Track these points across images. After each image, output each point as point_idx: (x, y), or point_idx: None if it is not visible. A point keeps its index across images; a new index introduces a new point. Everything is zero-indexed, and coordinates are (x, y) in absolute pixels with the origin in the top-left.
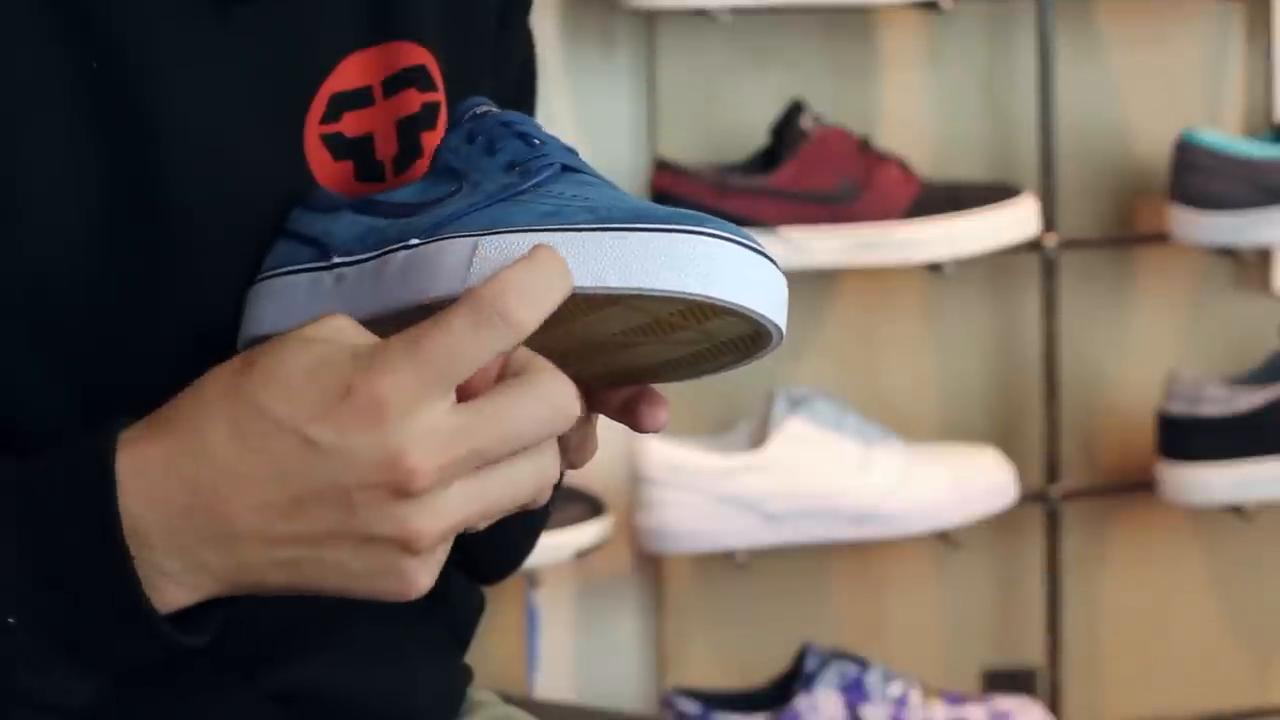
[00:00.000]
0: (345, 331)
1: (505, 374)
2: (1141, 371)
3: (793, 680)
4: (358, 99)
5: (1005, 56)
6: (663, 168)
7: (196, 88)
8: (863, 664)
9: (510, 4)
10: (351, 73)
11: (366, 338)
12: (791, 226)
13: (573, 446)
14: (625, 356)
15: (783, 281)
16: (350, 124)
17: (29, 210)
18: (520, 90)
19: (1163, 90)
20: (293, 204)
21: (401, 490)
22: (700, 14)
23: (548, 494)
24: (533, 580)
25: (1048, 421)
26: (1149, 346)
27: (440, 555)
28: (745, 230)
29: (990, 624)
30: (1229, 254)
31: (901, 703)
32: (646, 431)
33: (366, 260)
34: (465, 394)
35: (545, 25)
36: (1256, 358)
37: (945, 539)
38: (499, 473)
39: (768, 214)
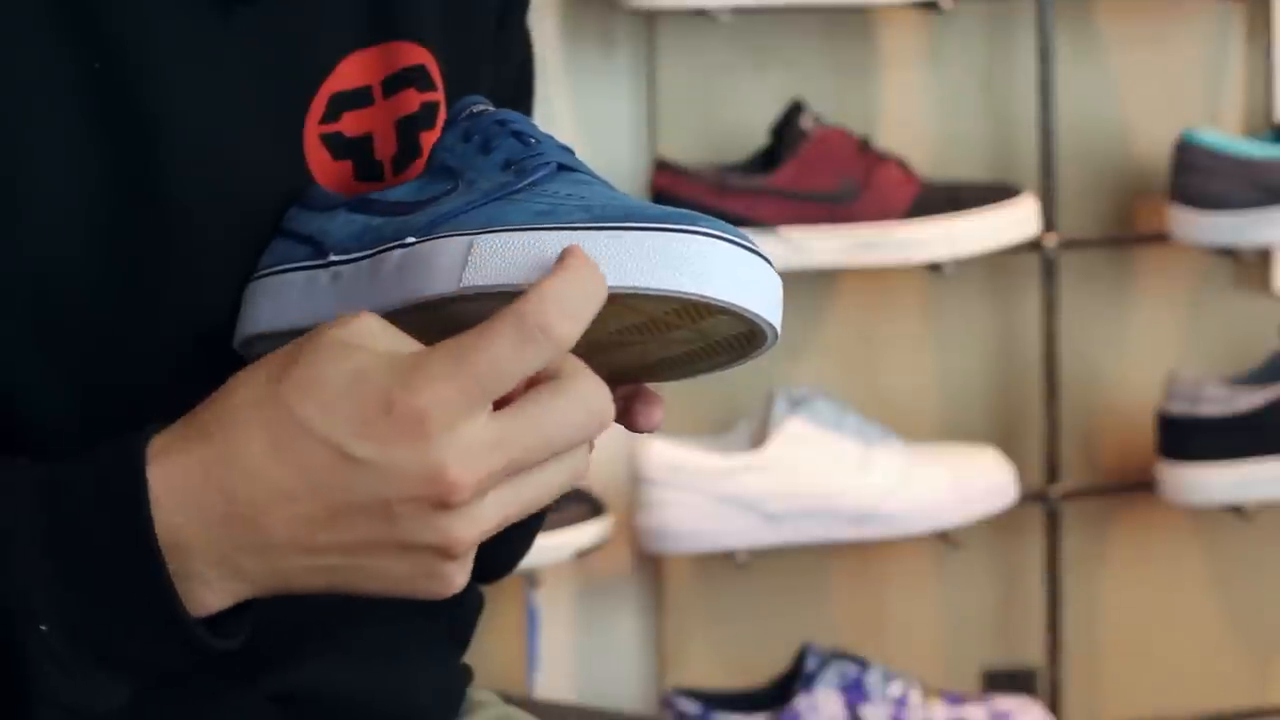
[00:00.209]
0: (378, 336)
1: (540, 375)
2: (1141, 371)
3: (793, 680)
4: (357, 99)
5: (1005, 56)
6: (663, 168)
7: (198, 88)
8: (863, 664)
9: (508, 4)
10: (351, 73)
11: (399, 342)
12: (791, 226)
13: None
14: (621, 355)
15: (777, 281)
16: (350, 124)
17: (31, 210)
18: (518, 90)
19: (1163, 90)
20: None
21: (442, 502)
22: (700, 14)
23: None
24: (533, 580)
25: (1048, 421)
26: (1149, 346)
27: (473, 554)
28: (740, 230)
29: (990, 624)
30: (1229, 254)
31: (901, 703)
32: (642, 431)
33: (362, 258)
34: (500, 398)
35: (545, 25)
36: (1256, 358)
37: (945, 539)
38: (533, 476)
39: (768, 214)
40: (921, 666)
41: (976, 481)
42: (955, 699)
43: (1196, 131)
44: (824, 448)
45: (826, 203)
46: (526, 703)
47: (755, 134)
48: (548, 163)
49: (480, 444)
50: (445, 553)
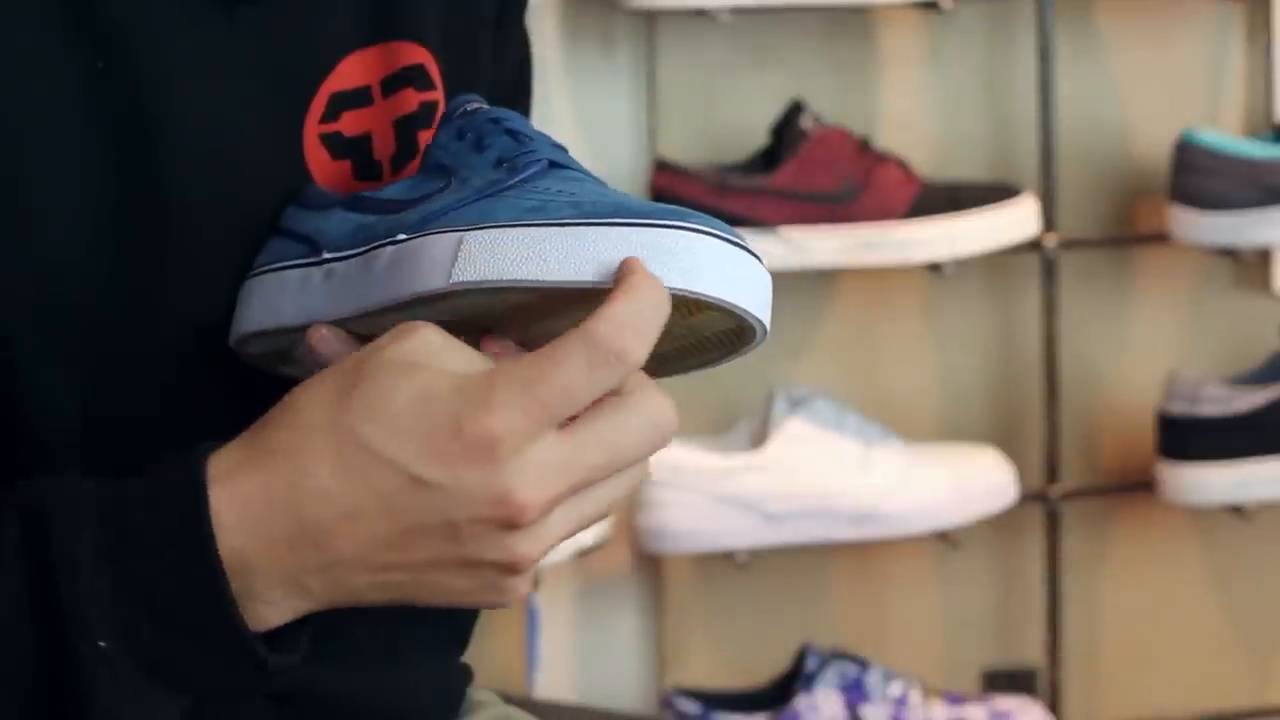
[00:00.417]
0: (441, 352)
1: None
2: (1141, 371)
3: (793, 680)
4: (357, 98)
5: (1005, 56)
6: (663, 168)
7: (201, 88)
8: (863, 664)
9: (506, 4)
10: (351, 72)
11: (464, 358)
12: (791, 226)
13: None
14: None
15: (766, 277)
16: (349, 123)
17: (35, 209)
18: (517, 90)
19: (1163, 90)
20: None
21: (509, 523)
22: (700, 14)
23: None
24: (533, 580)
25: (1048, 421)
26: (1149, 346)
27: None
28: (729, 226)
29: (990, 624)
30: (1229, 254)
31: (901, 703)
32: None
33: (354, 256)
34: None
35: (545, 25)
36: (1256, 358)
37: (945, 539)
38: (597, 491)
39: (768, 214)
40: (921, 666)
41: (976, 481)
42: (955, 699)
43: (1196, 131)
44: (824, 448)
45: (826, 203)
46: (526, 703)
47: (755, 134)
48: (539, 160)
49: (548, 465)
50: (510, 569)
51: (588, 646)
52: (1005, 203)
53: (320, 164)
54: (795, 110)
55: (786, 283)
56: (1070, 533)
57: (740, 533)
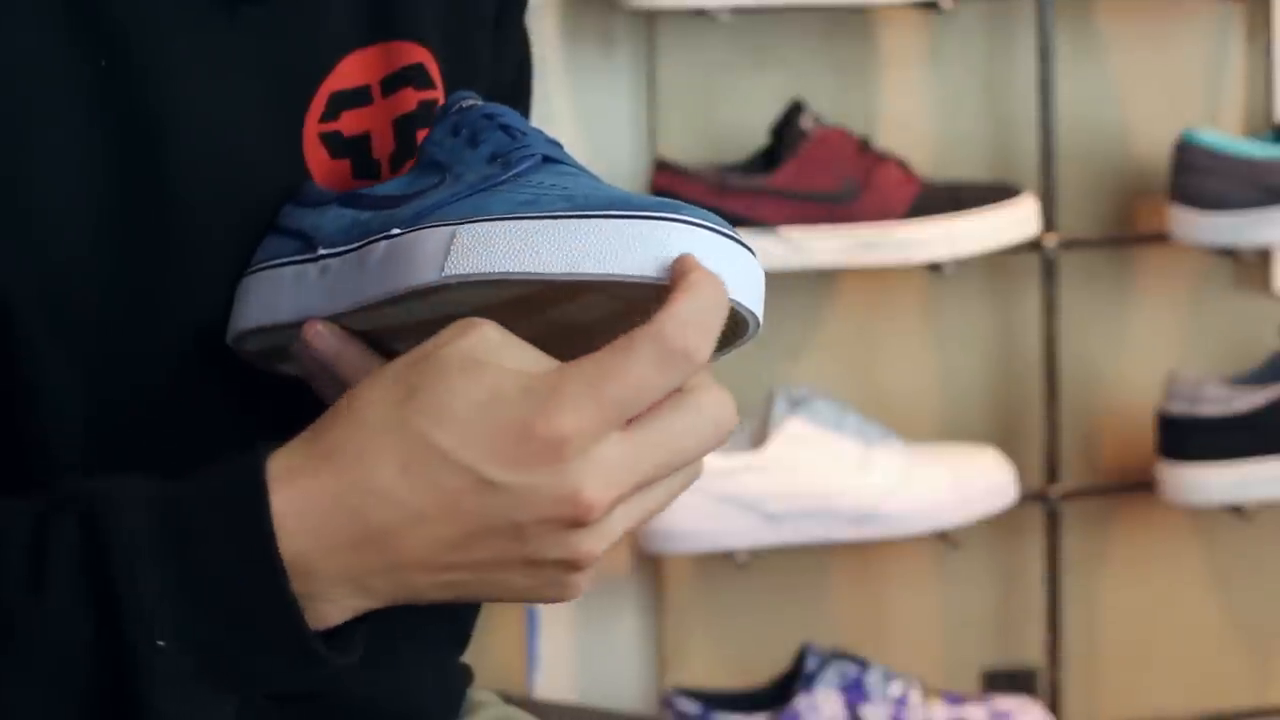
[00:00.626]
0: (502, 350)
1: None
2: (1141, 371)
3: (793, 680)
4: (356, 98)
5: (1005, 56)
6: (663, 168)
7: (203, 87)
8: (863, 664)
9: (506, 4)
10: (351, 71)
11: (527, 356)
12: (791, 226)
13: None
14: (604, 345)
15: (759, 269)
16: (348, 122)
17: (40, 208)
18: (516, 91)
19: (1163, 90)
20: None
21: (575, 523)
22: (700, 14)
23: None
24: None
25: (1048, 421)
26: (1149, 346)
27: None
28: (722, 219)
29: (990, 624)
30: (1229, 254)
31: (901, 703)
32: None
33: (349, 251)
34: None
35: (545, 25)
36: (1256, 358)
37: (945, 539)
38: (657, 487)
39: (768, 214)
40: (921, 666)
41: (976, 481)
42: (955, 699)
43: (1196, 131)
44: (824, 448)
45: (826, 203)
46: (526, 703)
47: (755, 134)
48: (533, 155)
49: (614, 464)
50: (573, 566)
51: (588, 646)
52: (1005, 203)
53: (319, 163)
54: (795, 110)
55: (786, 283)
56: (1070, 533)
57: (740, 533)
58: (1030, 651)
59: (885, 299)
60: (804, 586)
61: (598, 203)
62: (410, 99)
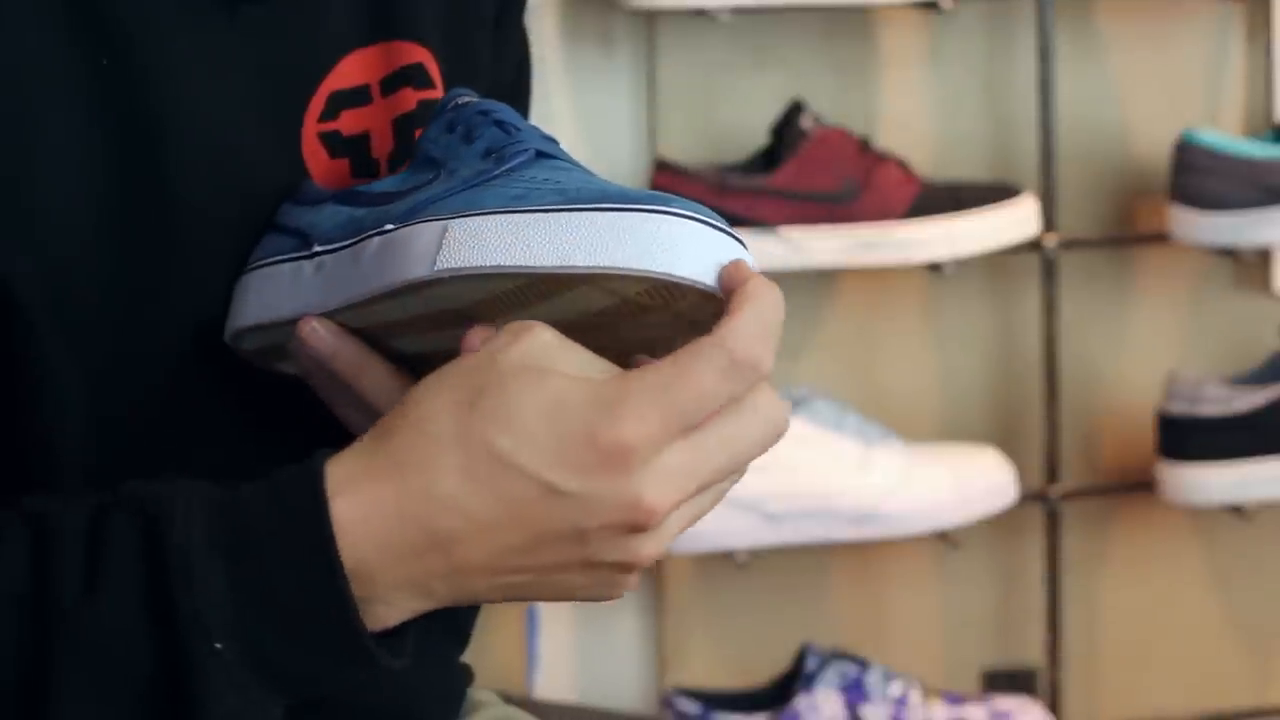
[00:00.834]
0: (561, 355)
1: None
2: (1141, 371)
3: (793, 680)
4: (356, 97)
5: (1005, 56)
6: (663, 168)
7: (204, 86)
8: (863, 664)
9: (506, 4)
10: (351, 71)
11: (587, 362)
12: (791, 226)
13: None
14: (598, 340)
15: (750, 261)
16: (348, 122)
17: (42, 208)
18: (515, 91)
19: (1163, 90)
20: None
21: (637, 527)
22: (700, 14)
23: None
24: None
25: (1048, 421)
26: (1149, 346)
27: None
28: (713, 212)
29: (990, 624)
30: (1229, 254)
31: (901, 703)
32: None
33: (343, 248)
34: None
35: (545, 25)
36: (1256, 358)
37: (945, 539)
38: (713, 489)
39: (768, 214)
40: (921, 666)
41: (976, 481)
42: (955, 699)
43: (1196, 131)
44: (824, 448)
45: (826, 203)
46: (526, 703)
47: (755, 134)
48: (526, 150)
49: (676, 471)
50: (629, 568)
51: (588, 646)
52: (1005, 203)
53: (318, 162)
54: (795, 110)
55: (786, 283)
56: (1070, 533)
57: (740, 533)
58: (1030, 651)
59: (885, 299)
60: (804, 586)
61: (589, 196)
62: (410, 99)
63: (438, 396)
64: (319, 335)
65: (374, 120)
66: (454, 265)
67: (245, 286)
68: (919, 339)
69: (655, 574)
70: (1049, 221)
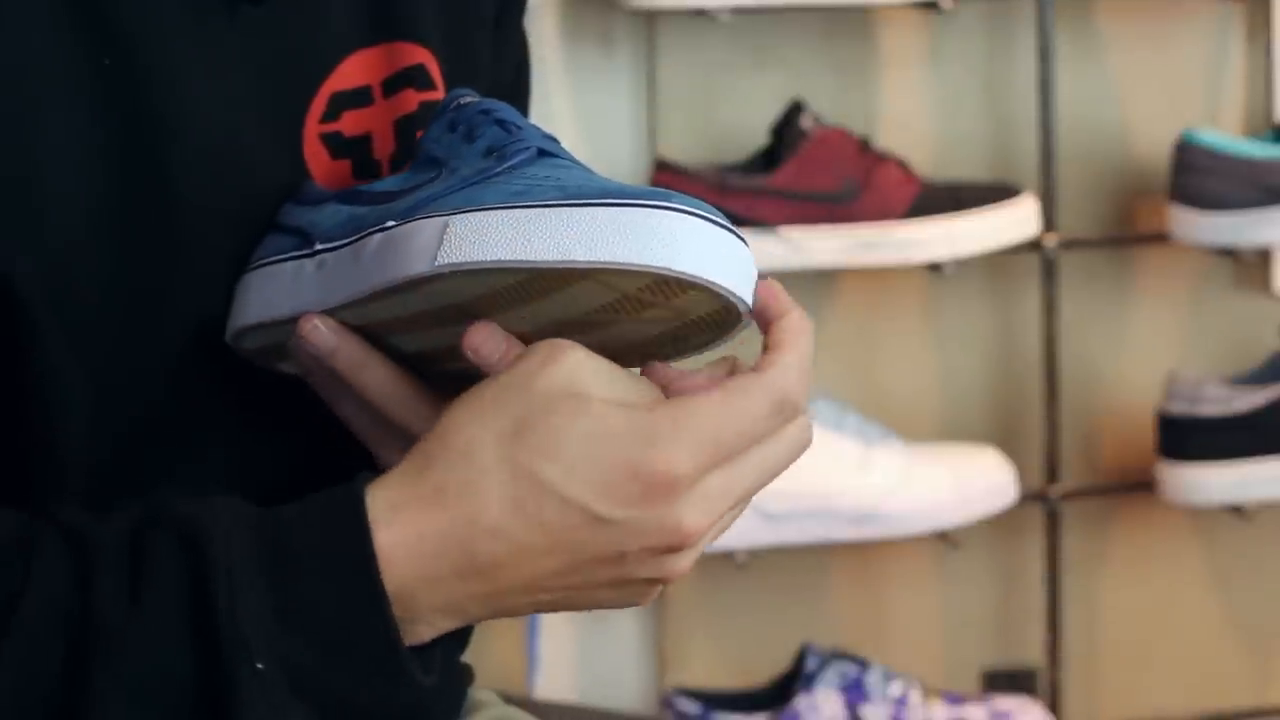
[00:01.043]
0: (597, 375)
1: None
2: (1141, 371)
3: (793, 680)
4: (357, 98)
5: (1005, 56)
6: (663, 168)
7: (205, 86)
8: (863, 664)
9: (506, 5)
10: (352, 72)
11: (624, 386)
12: (791, 226)
13: None
14: (598, 336)
15: (749, 257)
16: (349, 123)
17: (45, 207)
18: (515, 92)
19: (1163, 90)
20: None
21: (675, 548)
22: (700, 14)
23: None
24: None
25: (1048, 421)
26: (1149, 346)
27: None
28: (713, 208)
29: (990, 624)
30: (1229, 254)
31: (901, 703)
32: None
33: (344, 246)
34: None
35: (545, 25)
36: (1256, 358)
37: (945, 539)
38: (740, 505)
39: (768, 214)
40: (921, 666)
41: (976, 481)
42: (955, 699)
43: (1196, 131)
44: (824, 448)
45: (826, 203)
46: (526, 703)
47: (755, 134)
48: (528, 148)
49: (714, 495)
50: (662, 581)
51: (588, 646)
52: (1005, 203)
53: (320, 163)
54: (795, 110)
55: (786, 283)
56: (1070, 533)
57: (740, 533)
58: (1030, 651)
59: (885, 299)
60: (804, 586)
61: (590, 192)
62: (411, 100)
63: (479, 424)
64: (320, 333)
65: (376, 121)
66: (455, 260)
67: (246, 286)
68: (919, 339)
69: None
70: (1049, 221)
